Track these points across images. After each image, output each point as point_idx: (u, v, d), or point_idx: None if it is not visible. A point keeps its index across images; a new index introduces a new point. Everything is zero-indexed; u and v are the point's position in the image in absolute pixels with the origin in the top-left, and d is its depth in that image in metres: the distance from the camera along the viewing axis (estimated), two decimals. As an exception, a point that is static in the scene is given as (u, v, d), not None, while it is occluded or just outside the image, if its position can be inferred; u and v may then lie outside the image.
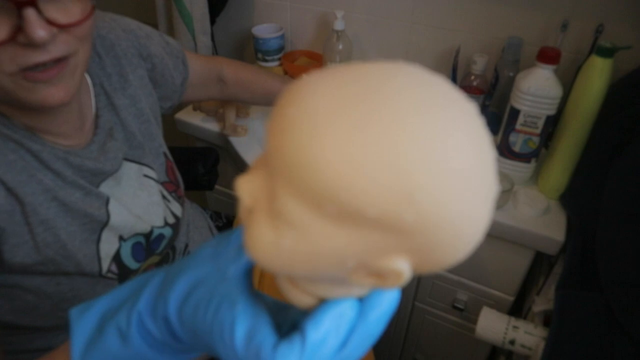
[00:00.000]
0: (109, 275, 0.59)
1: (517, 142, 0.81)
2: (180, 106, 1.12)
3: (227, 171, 1.14)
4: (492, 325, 0.79)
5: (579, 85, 0.74)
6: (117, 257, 0.59)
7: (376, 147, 0.17)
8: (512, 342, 0.76)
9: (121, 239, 0.60)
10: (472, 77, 0.98)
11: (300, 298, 0.24)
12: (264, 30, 1.16)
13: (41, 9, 0.41)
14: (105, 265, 0.58)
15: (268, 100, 0.90)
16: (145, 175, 0.66)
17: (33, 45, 0.42)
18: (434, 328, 1.10)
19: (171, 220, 0.69)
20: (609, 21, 0.84)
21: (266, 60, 1.18)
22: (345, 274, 0.21)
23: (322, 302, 0.24)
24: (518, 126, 0.79)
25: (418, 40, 1.08)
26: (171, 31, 1.21)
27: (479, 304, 0.92)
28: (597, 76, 0.70)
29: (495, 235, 0.82)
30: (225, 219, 0.97)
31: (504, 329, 0.77)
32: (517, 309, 0.98)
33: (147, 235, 0.64)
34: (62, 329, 0.60)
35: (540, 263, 0.92)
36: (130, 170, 0.63)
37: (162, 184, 0.69)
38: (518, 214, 0.80)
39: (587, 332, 0.66)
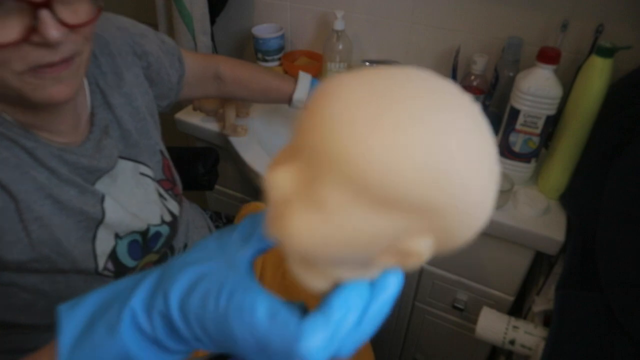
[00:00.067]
0: (105, 272, 0.59)
1: (517, 142, 0.81)
2: (180, 106, 1.12)
3: (227, 171, 1.14)
4: (492, 325, 0.79)
5: (579, 85, 0.74)
6: (113, 255, 0.59)
7: (418, 140, 0.20)
8: (512, 342, 0.76)
9: (117, 236, 0.60)
10: (472, 77, 0.98)
11: (316, 282, 0.26)
12: (264, 30, 1.16)
13: (55, 10, 0.43)
14: (101, 262, 0.58)
15: (267, 98, 0.90)
16: (142, 173, 0.66)
17: (46, 45, 0.44)
18: (434, 328, 1.10)
19: (168, 218, 0.69)
20: (609, 21, 0.84)
21: (266, 60, 1.18)
22: (374, 255, 0.23)
23: (336, 286, 0.26)
24: (518, 126, 0.79)
25: (418, 40, 1.08)
26: (171, 31, 1.21)
27: (479, 304, 0.92)
28: (597, 76, 0.70)
29: (495, 235, 0.82)
30: (225, 219, 0.97)
31: (504, 329, 0.77)
32: (517, 309, 0.98)
33: (144, 233, 0.64)
34: None
35: (540, 263, 0.92)
36: (126, 168, 0.64)
37: (159, 182, 0.69)
38: (518, 214, 0.80)
39: (587, 332, 0.66)
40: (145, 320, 0.29)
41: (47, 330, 0.59)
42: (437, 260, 0.97)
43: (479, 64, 0.96)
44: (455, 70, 1.01)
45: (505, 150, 0.83)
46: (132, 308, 0.29)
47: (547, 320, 0.80)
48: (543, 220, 0.79)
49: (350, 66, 1.13)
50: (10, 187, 0.49)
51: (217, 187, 1.20)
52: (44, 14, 0.42)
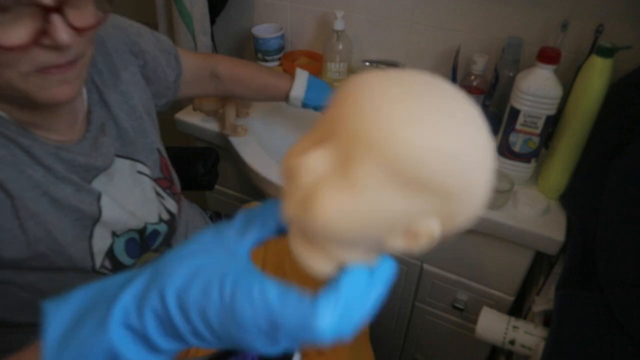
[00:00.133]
0: (103, 270, 0.59)
1: (517, 142, 0.81)
2: (180, 106, 1.12)
3: (227, 171, 1.14)
4: (492, 325, 0.79)
5: (579, 85, 0.74)
6: (110, 253, 0.59)
7: (444, 131, 0.23)
8: (512, 342, 0.76)
9: (114, 234, 0.60)
10: (472, 77, 0.98)
11: (321, 265, 0.27)
12: (264, 30, 1.16)
13: (65, 14, 0.44)
14: (98, 260, 0.58)
15: (264, 96, 0.91)
16: (139, 172, 0.66)
17: (55, 48, 0.45)
18: (434, 328, 1.10)
19: (166, 216, 0.69)
20: (609, 21, 0.84)
21: (266, 60, 1.18)
22: (390, 234, 0.26)
23: (339, 271, 0.27)
24: (518, 126, 0.79)
25: (418, 40, 1.08)
26: (171, 31, 1.21)
27: (479, 304, 0.92)
28: (597, 76, 0.70)
29: (495, 235, 0.82)
30: (225, 219, 0.97)
31: (504, 329, 0.77)
32: (517, 309, 0.98)
33: (141, 232, 0.64)
34: None
35: (540, 263, 0.92)
36: (123, 166, 0.64)
37: (156, 180, 0.70)
38: (518, 214, 0.80)
39: (587, 332, 0.66)
40: (136, 316, 0.29)
41: None
42: (437, 260, 0.97)
43: (479, 64, 0.96)
44: (455, 70, 1.01)
45: (505, 150, 0.83)
46: (122, 304, 0.29)
47: (547, 320, 0.80)
48: (543, 220, 0.79)
49: (350, 66, 1.13)
50: (6, 185, 0.49)
51: (217, 187, 1.20)
52: (55, 18, 0.43)
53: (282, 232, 0.32)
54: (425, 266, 0.98)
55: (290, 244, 0.28)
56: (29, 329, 0.59)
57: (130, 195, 0.63)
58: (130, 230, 0.62)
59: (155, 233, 0.66)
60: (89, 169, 0.58)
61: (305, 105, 0.88)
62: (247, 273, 0.28)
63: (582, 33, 0.88)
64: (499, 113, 0.91)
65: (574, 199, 0.79)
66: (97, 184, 0.59)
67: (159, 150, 0.72)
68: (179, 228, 0.73)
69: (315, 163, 0.25)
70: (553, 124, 0.80)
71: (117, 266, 0.60)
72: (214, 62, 0.86)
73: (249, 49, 1.29)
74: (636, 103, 0.71)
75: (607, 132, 0.74)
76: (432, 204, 0.24)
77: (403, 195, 0.24)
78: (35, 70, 0.45)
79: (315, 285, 0.27)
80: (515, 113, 0.78)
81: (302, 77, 0.87)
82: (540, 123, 0.77)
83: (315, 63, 1.17)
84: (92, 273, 0.58)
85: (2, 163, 0.49)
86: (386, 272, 0.28)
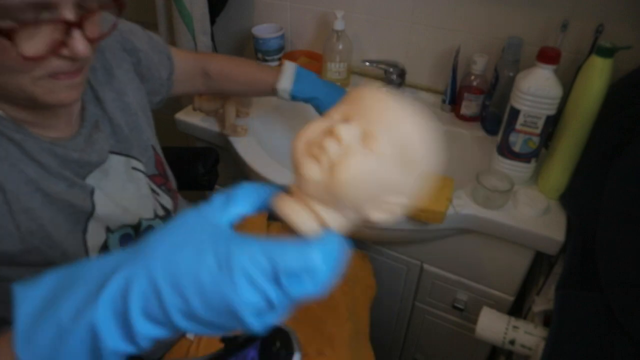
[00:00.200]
0: None
1: (517, 142, 0.81)
2: (180, 106, 1.12)
3: (227, 171, 1.14)
4: (492, 325, 0.79)
5: (579, 85, 0.74)
6: (104, 249, 0.60)
7: (425, 128, 0.32)
8: (512, 342, 0.76)
9: (108, 230, 0.60)
10: (472, 77, 0.98)
11: (308, 223, 0.32)
12: (264, 30, 1.16)
13: (84, 28, 0.47)
14: (92, 256, 0.58)
15: (253, 90, 0.90)
16: (134, 168, 0.67)
17: (72, 58, 0.47)
18: (434, 328, 1.10)
19: (161, 212, 0.69)
20: (609, 21, 0.84)
21: (266, 60, 1.18)
22: (377, 202, 0.33)
23: (319, 232, 0.33)
24: (518, 126, 0.79)
25: (418, 40, 1.08)
26: (171, 31, 1.21)
27: (479, 304, 0.92)
28: (597, 76, 0.70)
29: (495, 235, 0.82)
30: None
31: (504, 329, 0.77)
32: (517, 309, 0.98)
33: (136, 227, 0.64)
34: None
35: (540, 263, 0.92)
36: (118, 163, 0.64)
37: (151, 177, 0.70)
38: (518, 214, 0.80)
39: (587, 332, 0.66)
40: (121, 299, 0.30)
41: None
42: (437, 260, 0.97)
43: (479, 64, 0.96)
44: (455, 70, 1.01)
45: (505, 150, 0.83)
46: (112, 287, 0.30)
47: (547, 320, 0.80)
48: (543, 220, 0.79)
49: (350, 66, 1.13)
50: None
51: (217, 187, 1.20)
52: (76, 32, 0.46)
53: (260, 209, 0.36)
54: (425, 266, 0.98)
55: (281, 207, 0.33)
56: None
57: (125, 192, 0.64)
58: (125, 225, 0.62)
59: (150, 229, 0.66)
60: (83, 164, 0.58)
61: (294, 97, 0.86)
62: (236, 238, 0.31)
63: (582, 33, 0.88)
64: (499, 113, 0.91)
65: (574, 199, 0.79)
66: (91, 179, 0.59)
67: (153, 147, 0.72)
68: None
69: (346, 133, 0.31)
70: (553, 124, 0.80)
71: None
72: (205, 60, 0.87)
73: (249, 49, 1.29)
74: (636, 103, 0.71)
75: (607, 132, 0.74)
76: (412, 184, 0.33)
77: (400, 171, 0.32)
78: (47, 76, 0.47)
79: None
80: (515, 113, 0.78)
81: (289, 69, 0.86)
82: (540, 123, 0.77)
83: (315, 63, 1.17)
84: None
85: None
86: (344, 241, 0.33)
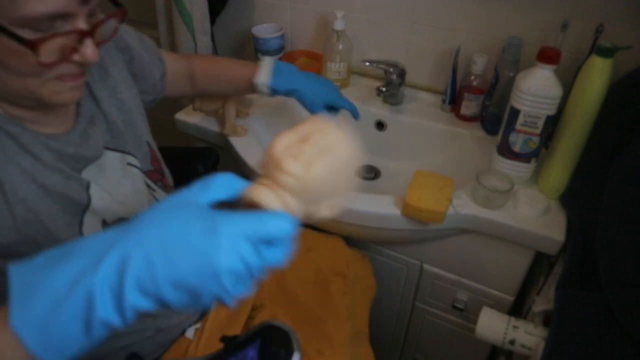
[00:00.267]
0: None
1: (517, 142, 0.81)
2: (180, 106, 1.12)
3: (227, 171, 1.14)
4: (492, 325, 0.79)
5: (579, 85, 0.74)
6: None
7: (348, 143, 0.42)
8: (512, 342, 0.76)
9: (104, 223, 0.61)
10: (472, 77, 0.98)
11: (275, 204, 0.38)
12: (264, 30, 1.16)
13: (95, 35, 0.50)
14: None
15: (235, 88, 0.90)
16: (129, 164, 0.67)
17: (84, 64, 0.51)
18: (434, 328, 1.10)
19: None
20: (609, 21, 0.84)
21: (266, 60, 1.18)
22: (327, 200, 0.42)
23: (280, 209, 0.38)
24: (518, 126, 0.79)
25: (418, 40, 1.08)
26: (171, 31, 1.21)
27: (479, 304, 0.92)
28: (597, 76, 0.70)
29: (495, 235, 0.82)
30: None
31: (504, 329, 0.77)
32: (517, 309, 0.98)
33: None
34: None
35: (540, 263, 0.92)
36: (113, 159, 0.64)
37: (146, 173, 0.70)
38: (518, 214, 0.80)
39: (587, 332, 0.66)
40: (116, 273, 0.33)
41: None
42: (437, 260, 0.97)
43: (479, 64, 0.96)
44: (455, 70, 1.01)
45: (505, 150, 0.83)
46: (109, 261, 0.33)
47: (547, 320, 0.80)
48: (543, 220, 0.79)
49: (350, 66, 1.13)
50: None
51: (217, 187, 1.20)
52: (88, 40, 0.49)
53: (232, 197, 0.40)
54: (425, 266, 0.98)
55: (255, 193, 0.38)
56: None
57: (121, 187, 0.64)
58: (121, 219, 0.63)
59: None
60: (78, 159, 0.58)
61: (274, 90, 0.85)
62: (219, 211, 0.36)
63: (582, 33, 0.88)
64: (499, 113, 0.91)
65: (574, 199, 0.79)
66: (87, 174, 0.60)
67: (148, 144, 0.73)
68: None
69: (321, 141, 0.40)
70: (553, 124, 0.80)
71: None
72: (189, 63, 0.88)
73: (249, 49, 1.29)
74: (636, 103, 0.71)
75: (607, 132, 0.73)
76: (347, 191, 0.42)
77: (347, 178, 0.42)
78: (54, 78, 0.50)
79: None
80: (515, 113, 0.78)
81: (267, 64, 0.85)
82: (540, 123, 0.77)
83: (315, 63, 1.17)
84: None
85: None
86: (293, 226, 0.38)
